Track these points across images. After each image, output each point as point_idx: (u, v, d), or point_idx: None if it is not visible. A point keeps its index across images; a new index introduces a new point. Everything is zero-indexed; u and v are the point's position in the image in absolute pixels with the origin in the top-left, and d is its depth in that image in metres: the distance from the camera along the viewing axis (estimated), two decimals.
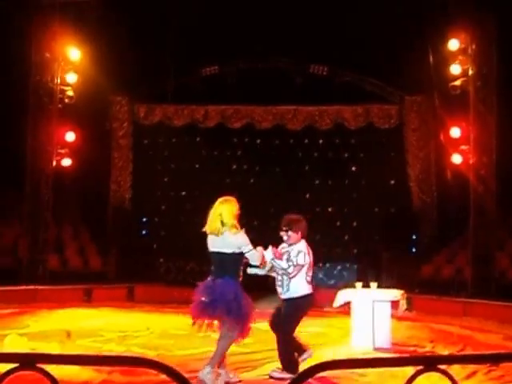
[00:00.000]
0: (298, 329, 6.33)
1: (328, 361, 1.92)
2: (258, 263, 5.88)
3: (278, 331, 6.18)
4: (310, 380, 2.03)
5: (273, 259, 6.09)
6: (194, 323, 5.85)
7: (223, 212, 5.77)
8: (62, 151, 14.29)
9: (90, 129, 15.11)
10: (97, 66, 14.18)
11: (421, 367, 2.05)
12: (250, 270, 6.15)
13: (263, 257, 5.95)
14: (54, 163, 14.22)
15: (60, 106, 14.18)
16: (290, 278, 6.12)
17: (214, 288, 5.67)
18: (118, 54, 14.44)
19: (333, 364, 2.01)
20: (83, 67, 14.20)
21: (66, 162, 14.41)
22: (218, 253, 5.77)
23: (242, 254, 5.73)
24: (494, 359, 3.57)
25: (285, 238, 6.27)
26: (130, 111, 16.75)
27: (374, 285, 8.45)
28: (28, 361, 2.16)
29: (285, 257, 6.17)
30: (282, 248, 6.29)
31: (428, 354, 7.28)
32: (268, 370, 6.36)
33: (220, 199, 5.91)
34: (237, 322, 5.63)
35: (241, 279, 5.82)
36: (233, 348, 7.70)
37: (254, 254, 5.78)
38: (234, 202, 5.90)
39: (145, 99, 16.82)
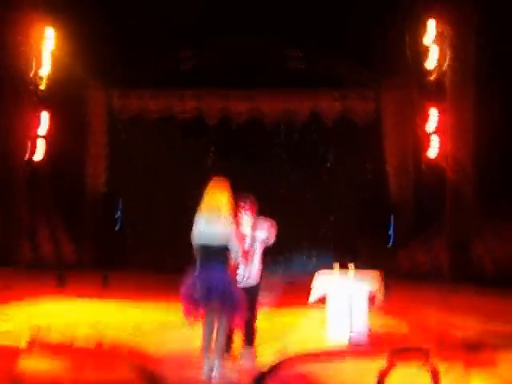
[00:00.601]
0: (273, 319, 6.43)
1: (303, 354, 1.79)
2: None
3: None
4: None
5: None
6: (188, 318, 5.79)
7: (222, 193, 5.85)
8: (36, 139, 13.98)
9: (64, 116, 14.81)
10: (72, 55, 13.96)
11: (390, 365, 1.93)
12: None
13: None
14: (28, 153, 13.91)
15: (32, 88, 13.81)
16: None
17: (211, 279, 5.64)
18: (92, 40, 14.18)
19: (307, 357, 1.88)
20: (58, 55, 13.91)
21: (40, 150, 14.12)
22: (214, 240, 5.73)
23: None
24: (471, 348, 3.52)
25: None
26: (105, 97, 16.43)
27: (351, 265, 8.34)
28: None
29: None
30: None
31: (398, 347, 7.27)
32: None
33: (213, 181, 5.95)
34: (234, 310, 5.69)
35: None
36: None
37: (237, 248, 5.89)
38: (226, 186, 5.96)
39: (120, 84, 16.48)
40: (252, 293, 6.32)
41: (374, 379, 4.33)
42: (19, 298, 11.57)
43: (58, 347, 6.42)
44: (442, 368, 5.90)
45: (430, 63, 12.56)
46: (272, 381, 5.09)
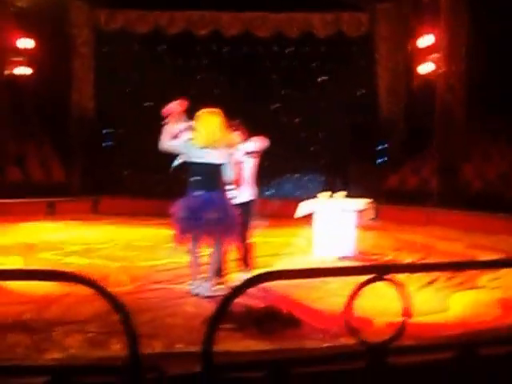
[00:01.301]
0: (263, 239, 6.43)
1: (270, 271, 1.79)
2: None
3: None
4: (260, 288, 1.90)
5: None
6: (178, 237, 5.74)
7: (219, 124, 5.76)
8: (18, 59, 13.62)
9: (47, 35, 14.36)
10: None
11: (373, 275, 1.93)
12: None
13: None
14: (9, 71, 13.56)
15: (12, 9, 13.35)
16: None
17: (204, 200, 5.62)
18: None
19: (276, 274, 1.88)
20: None
21: (23, 70, 13.78)
22: (210, 164, 5.71)
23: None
24: (453, 267, 3.57)
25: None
26: (91, 17, 15.87)
27: (341, 194, 8.39)
28: None
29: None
30: None
31: (385, 263, 7.40)
32: (231, 280, 6.26)
33: (207, 111, 5.82)
34: (229, 231, 5.70)
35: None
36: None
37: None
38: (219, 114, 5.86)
39: (106, 4, 15.89)
40: (244, 212, 6.20)
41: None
42: (10, 221, 11.66)
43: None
44: (424, 281, 6.07)
45: None
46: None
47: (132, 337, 1.59)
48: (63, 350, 3.97)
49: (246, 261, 6.39)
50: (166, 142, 5.79)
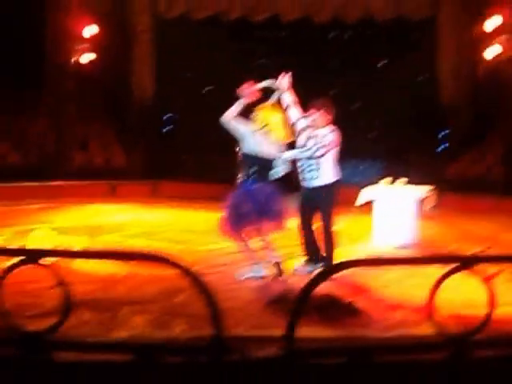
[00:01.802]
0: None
1: (355, 260, 1.78)
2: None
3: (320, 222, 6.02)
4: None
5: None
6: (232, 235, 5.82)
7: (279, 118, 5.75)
8: (83, 46, 13.98)
9: (110, 23, 14.68)
10: None
11: (456, 265, 1.90)
12: (274, 172, 5.90)
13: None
14: (75, 58, 13.96)
15: None
16: (319, 160, 5.88)
17: (262, 193, 5.63)
18: None
19: (362, 262, 1.87)
20: None
21: (87, 57, 14.15)
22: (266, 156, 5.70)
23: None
24: None
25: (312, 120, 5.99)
26: (151, 3, 16.08)
27: (402, 180, 8.24)
28: (32, 255, 2.22)
29: (313, 140, 5.89)
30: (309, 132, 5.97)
31: (458, 254, 7.19)
32: (292, 265, 6.29)
33: (270, 105, 5.82)
34: (278, 219, 5.66)
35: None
36: (256, 243, 7.84)
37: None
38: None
39: None
40: (326, 195, 6.01)
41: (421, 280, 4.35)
42: (75, 202, 12.06)
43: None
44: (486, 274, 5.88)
45: None
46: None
47: (216, 318, 1.61)
48: (129, 329, 4.08)
49: (327, 249, 6.11)
50: (230, 120, 5.72)
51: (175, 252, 7.09)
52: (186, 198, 13.32)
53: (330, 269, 1.78)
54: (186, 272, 1.65)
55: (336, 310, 4.59)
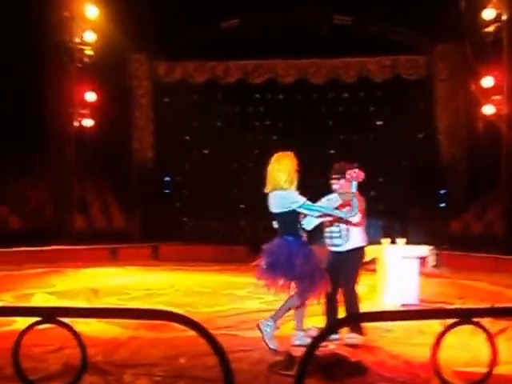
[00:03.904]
0: None
1: (364, 312, 1.79)
2: (315, 217, 5.56)
3: (343, 288, 5.84)
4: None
5: (336, 209, 5.55)
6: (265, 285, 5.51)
7: (274, 170, 5.55)
8: (84, 111, 14.32)
9: (110, 88, 15.05)
10: (115, 24, 14.06)
11: (455, 320, 1.91)
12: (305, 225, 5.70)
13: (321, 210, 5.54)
14: (76, 124, 14.25)
15: (79, 65, 14.15)
16: (349, 227, 5.75)
17: (272, 250, 5.46)
18: (136, 11, 14.31)
19: (371, 316, 1.89)
20: (101, 25, 14.09)
21: (88, 122, 14.44)
22: (276, 213, 5.56)
23: (296, 211, 5.45)
24: None
25: (336, 186, 5.87)
26: (150, 69, 16.60)
27: (401, 241, 8.26)
28: (49, 314, 2.27)
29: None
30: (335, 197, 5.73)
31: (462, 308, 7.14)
32: (293, 327, 5.97)
33: (274, 156, 5.64)
34: (296, 282, 5.40)
35: (303, 236, 5.56)
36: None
37: (309, 208, 5.43)
38: (288, 157, 5.62)
39: (164, 56, 16.61)
40: (354, 259, 5.86)
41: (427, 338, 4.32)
42: (75, 266, 12.05)
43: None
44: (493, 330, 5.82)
45: (486, 23, 12.13)
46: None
47: (229, 378, 1.62)
48: None
49: (349, 310, 5.83)
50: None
51: None
52: (185, 260, 13.34)
53: (331, 326, 1.83)
54: (203, 332, 1.67)
55: (343, 368, 4.54)
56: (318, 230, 5.88)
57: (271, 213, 5.60)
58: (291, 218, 5.49)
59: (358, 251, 5.88)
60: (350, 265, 5.84)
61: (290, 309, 5.62)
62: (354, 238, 5.83)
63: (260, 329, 5.49)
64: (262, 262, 5.44)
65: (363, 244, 5.92)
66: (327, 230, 5.91)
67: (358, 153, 15.86)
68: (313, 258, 5.49)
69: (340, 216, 5.60)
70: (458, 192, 14.92)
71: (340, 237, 5.82)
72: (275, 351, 5.27)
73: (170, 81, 16.70)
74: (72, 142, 14.38)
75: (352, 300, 5.78)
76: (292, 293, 5.51)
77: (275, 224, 5.65)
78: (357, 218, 5.67)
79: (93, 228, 14.68)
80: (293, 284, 5.46)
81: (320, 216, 5.56)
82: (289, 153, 5.67)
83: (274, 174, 5.53)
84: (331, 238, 5.89)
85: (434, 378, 1.94)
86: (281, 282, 5.44)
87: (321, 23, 15.38)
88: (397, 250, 8.07)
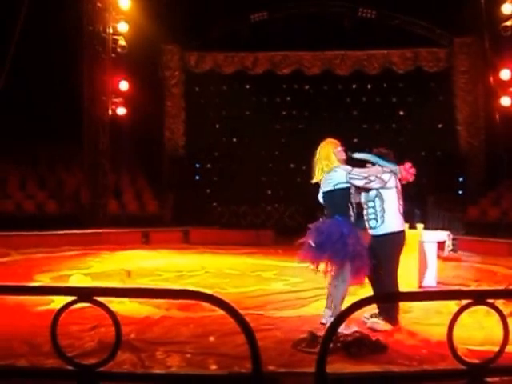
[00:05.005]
0: None
1: (385, 294, 2.03)
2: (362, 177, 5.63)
3: (379, 275, 5.67)
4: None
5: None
6: (310, 266, 5.57)
7: (319, 155, 5.80)
8: (117, 100, 14.65)
9: (142, 78, 15.33)
10: (147, 15, 14.27)
11: (469, 301, 2.13)
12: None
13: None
14: (110, 112, 14.60)
15: (113, 55, 14.39)
16: (385, 207, 5.69)
17: (322, 229, 5.48)
18: (168, 3, 14.48)
19: (389, 296, 2.09)
20: (134, 16, 14.30)
21: (121, 111, 14.79)
22: (324, 193, 5.73)
23: (344, 190, 5.59)
24: None
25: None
26: (182, 60, 16.92)
27: (420, 226, 8.41)
28: (85, 294, 2.37)
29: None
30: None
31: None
32: (317, 308, 6.32)
33: (328, 141, 5.90)
34: (344, 262, 5.38)
35: (352, 217, 5.62)
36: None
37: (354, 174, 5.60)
38: (331, 142, 5.88)
39: (195, 47, 16.91)
40: (392, 245, 5.74)
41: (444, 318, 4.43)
42: (109, 249, 12.47)
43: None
44: (506, 312, 6.04)
45: (505, 17, 12.17)
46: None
47: (256, 355, 1.86)
48: (165, 368, 4.30)
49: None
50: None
51: None
52: (215, 243, 13.62)
53: (350, 307, 2.07)
54: (232, 311, 1.99)
55: (364, 346, 4.72)
56: (361, 214, 5.84)
57: (322, 193, 5.76)
58: (340, 197, 5.60)
59: (396, 236, 5.74)
60: (385, 250, 5.69)
61: (344, 297, 5.50)
62: (390, 221, 5.69)
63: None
64: (310, 240, 5.43)
65: (400, 229, 5.79)
66: (365, 212, 5.82)
67: (380, 141, 16.06)
68: (363, 239, 5.53)
69: (384, 164, 5.82)
70: (476, 180, 15.11)
71: (375, 218, 5.69)
72: (299, 329, 5.35)
73: (200, 71, 17.04)
74: (106, 129, 14.73)
75: (388, 287, 5.59)
76: (333, 279, 5.51)
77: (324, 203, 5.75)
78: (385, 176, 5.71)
79: (126, 213, 15.06)
80: (334, 268, 5.47)
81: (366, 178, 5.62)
82: (328, 139, 5.92)
83: (321, 160, 5.76)
84: (368, 220, 5.78)
85: (450, 355, 2.06)
86: (327, 261, 5.47)
87: (346, 16, 15.54)
88: (415, 235, 8.26)
